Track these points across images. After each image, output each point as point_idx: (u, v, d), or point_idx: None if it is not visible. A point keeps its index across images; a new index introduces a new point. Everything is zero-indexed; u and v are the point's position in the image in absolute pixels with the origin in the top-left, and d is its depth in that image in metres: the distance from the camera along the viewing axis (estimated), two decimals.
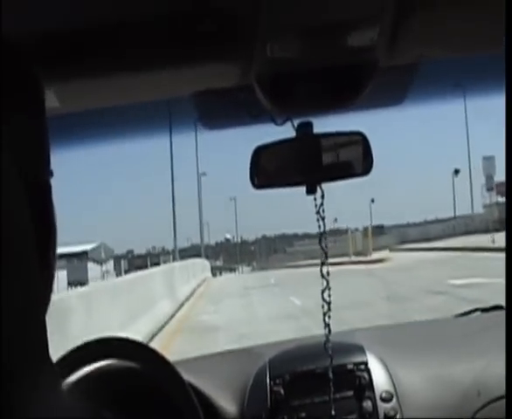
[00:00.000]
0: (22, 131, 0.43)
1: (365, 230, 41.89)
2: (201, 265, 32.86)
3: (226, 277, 32.49)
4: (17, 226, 0.38)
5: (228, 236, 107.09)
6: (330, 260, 1.22)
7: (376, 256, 32.61)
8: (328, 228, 1.26)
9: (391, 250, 37.67)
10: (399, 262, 25.82)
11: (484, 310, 1.92)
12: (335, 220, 76.63)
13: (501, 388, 1.36)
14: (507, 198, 0.76)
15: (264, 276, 30.34)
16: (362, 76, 0.98)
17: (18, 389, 0.36)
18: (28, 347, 0.38)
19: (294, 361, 1.55)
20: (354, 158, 1.17)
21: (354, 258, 32.94)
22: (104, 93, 1.03)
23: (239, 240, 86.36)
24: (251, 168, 1.15)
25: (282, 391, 1.47)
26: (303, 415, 1.45)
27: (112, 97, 1.05)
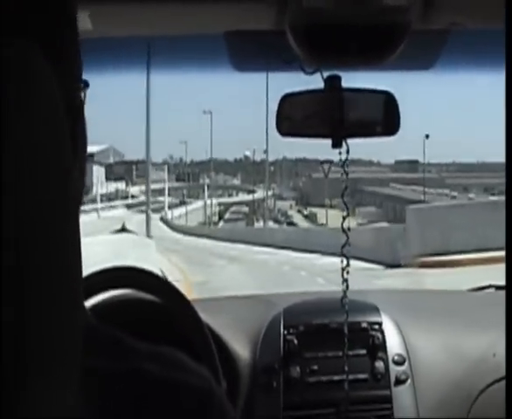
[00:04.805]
0: (58, 50, 0.48)
1: None
2: None
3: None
4: (59, 148, 0.43)
5: (247, 153, 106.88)
6: None
7: None
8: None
9: None
10: None
11: (498, 287, 2.03)
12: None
13: None
14: (507, 198, 0.82)
15: None
16: (394, 36, 1.06)
17: (46, 301, 0.41)
18: (59, 257, 0.43)
19: (308, 313, 1.67)
20: (381, 117, 1.25)
21: None
22: (136, 22, 1.12)
23: (259, 159, 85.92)
24: (277, 115, 1.24)
25: (296, 341, 1.58)
26: (315, 367, 1.57)
27: (143, 26, 1.14)
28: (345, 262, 1.39)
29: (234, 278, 13.61)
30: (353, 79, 1.23)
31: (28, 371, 0.39)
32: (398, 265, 14.59)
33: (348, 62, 1.12)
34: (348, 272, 1.40)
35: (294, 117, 1.26)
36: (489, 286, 2.05)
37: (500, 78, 1.26)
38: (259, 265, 17.85)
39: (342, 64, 1.14)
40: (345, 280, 1.42)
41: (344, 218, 1.35)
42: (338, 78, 1.20)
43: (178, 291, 1.35)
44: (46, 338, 0.40)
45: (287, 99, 1.24)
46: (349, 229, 1.36)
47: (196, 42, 1.23)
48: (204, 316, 1.38)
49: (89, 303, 1.32)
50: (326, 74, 1.19)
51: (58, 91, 0.43)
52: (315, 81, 1.18)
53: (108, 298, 1.41)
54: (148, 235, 29.50)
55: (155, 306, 1.37)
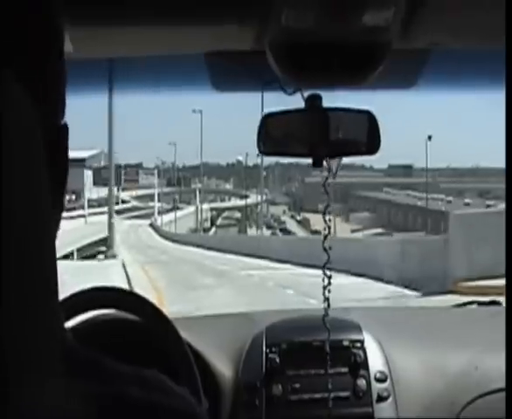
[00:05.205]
0: (42, 75, 0.49)
1: None
2: None
3: None
4: (35, 172, 0.45)
5: (240, 157, 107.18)
6: None
7: None
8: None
9: None
10: None
11: (480, 303, 2.05)
12: None
13: (495, 380, 1.50)
14: (507, 198, 0.84)
15: None
16: (374, 55, 1.07)
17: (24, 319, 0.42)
18: (38, 283, 0.44)
19: (291, 331, 1.69)
20: (361, 136, 1.27)
21: None
22: (116, 43, 1.13)
23: (251, 163, 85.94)
24: (258, 134, 1.25)
25: (278, 359, 1.60)
26: (297, 385, 1.59)
27: (122, 47, 1.15)
28: (326, 281, 1.42)
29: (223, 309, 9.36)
30: (335, 99, 1.25)
31: (5, 381, 0.39)
32: (440, 292, 11.53)
33: (328, 81, 1.14)
34: (329, 291, 1.43)
35: (275, 136, 1.28)
36: (472, 302, 2.08)
37: (490, 91, 1.28)
38: (255, 289, 14.74)
39: (323, 83, 1.16)
40: (326, 299, 1.44)
41: (325, 237, 1.37)
42: (319, 98, 1.22)
43: (159, 310, 1.35)
44: (22, 345, 0.41)
45: (267, 119, 1.26)
46: (330, 248, 1.38)
47: (176, 62, 1.24)
48: (186, 335, 1.39)
49: (70, 323, 1.32)
50: (306, 94, 1.21)
51: (36, 121, 0.45)
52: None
53: (89, 319, 1.42)
54: (112, 253, 26.26)
55: (136, 326, 1.38)
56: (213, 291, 14.22)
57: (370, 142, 1.26)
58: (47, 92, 0.51)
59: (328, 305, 1.45)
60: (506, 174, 0.86)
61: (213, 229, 77.63)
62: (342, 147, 1.28)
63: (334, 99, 1.24)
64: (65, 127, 0.55)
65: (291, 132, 1.27)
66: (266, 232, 55.96)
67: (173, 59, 1.22)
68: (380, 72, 1.08)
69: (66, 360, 0.46)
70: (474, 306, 2.07)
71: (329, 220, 1.38)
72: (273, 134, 1.27)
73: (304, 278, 14.78)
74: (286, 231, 71.79)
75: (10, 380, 0.40)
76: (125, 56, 1.21)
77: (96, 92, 1.37)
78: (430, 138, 56.21)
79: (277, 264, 20.73)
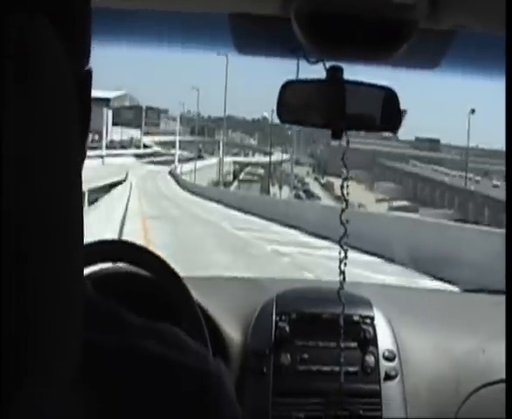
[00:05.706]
0: (70, 20, 0.50)
1: None
2: None
3: None
4: (68, 116, 0.45)
5: (266, 114, 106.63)
6: None
7: None
8: None
9: None
10: None
11: (491, 291, 2.05)
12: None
13: (501, 370, 1.51)
14: (507, 197, 0.85)
15: None
16: (399, 33, 1.07)
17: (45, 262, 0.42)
18: (66, 225, 0.44)
19: (301, 301, 1.71)
20: (380, 113, 1.26)
21: None
22: None
23: (274, 121, 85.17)
24: (278, 101, 1.25)
25: (287, 328, 1.62)
26: (306, 356, 1.61)
27: (151, 2, 1.16)
28: (343, 254, 1.42)
29: None
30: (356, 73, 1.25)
31: (30, 347, 0.40)
32: None
33: (352, 54, 1.13)
34: (345, 264, 1.43)
35: (295, 105, 1.28)
36: (483, 290, 2.08)
37: None
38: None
39: (346, 55, 1.16)
40: (342, 272, 1.45)
41: (343, 210, 1.37)
42: (340, 70, 1.22)
43: (170, 267, 1.36)
44: (49, 312, 0.42)
45: (288, 87, 1.26)
46: (347, 221, 1.39)
47: (200, 21, 1.24)
48: (196, 294, 1.40)
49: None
50: (328, 65, 1.21)
51: (67, 62, 0.45)
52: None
53: (99, 271, 1.43)
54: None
55: (146, 281, 1.39)
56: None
57: (390, 120, 1.26)
58: (76, 38, 0.51)
59: (344, 279, 1.46)
60: (506, 172, 0.86)
61: (235, 183, 77.17)
62: (361, 121, 1.28)
63: (356, 72, 1.24)
64: (90, 73, 0.55)
65: (310, 102, 1.27)
66: (291, 196, 54.79)
67: (197, 18, 1.22)
68: (404, 50, 1.08)
69: (85, 311, 0.47)
70: (485, 294, 2.07)
71: (347, 194, 1.38)
72: (293, 103, 1.27)
73: (356, 269, 9.05)
74: (309, 193, 71.29)
75: (31, 327, 0.40)
76: (149, 9, 1.21)
77: (122, 41, 1.38)
78: (473, 111, 52.73)
79: (311, 239, 17.13)
